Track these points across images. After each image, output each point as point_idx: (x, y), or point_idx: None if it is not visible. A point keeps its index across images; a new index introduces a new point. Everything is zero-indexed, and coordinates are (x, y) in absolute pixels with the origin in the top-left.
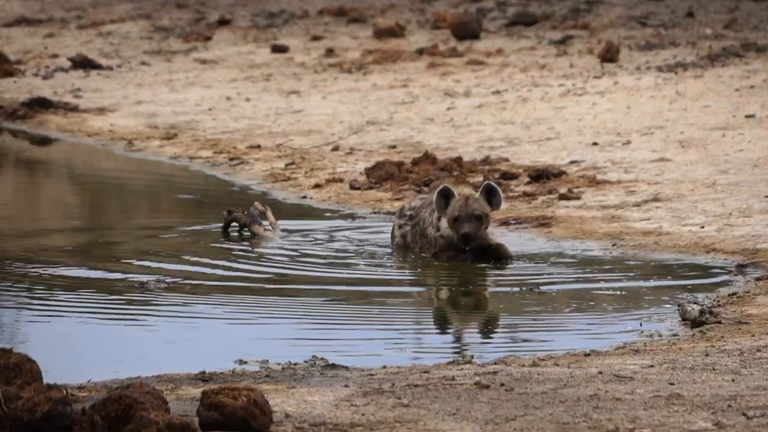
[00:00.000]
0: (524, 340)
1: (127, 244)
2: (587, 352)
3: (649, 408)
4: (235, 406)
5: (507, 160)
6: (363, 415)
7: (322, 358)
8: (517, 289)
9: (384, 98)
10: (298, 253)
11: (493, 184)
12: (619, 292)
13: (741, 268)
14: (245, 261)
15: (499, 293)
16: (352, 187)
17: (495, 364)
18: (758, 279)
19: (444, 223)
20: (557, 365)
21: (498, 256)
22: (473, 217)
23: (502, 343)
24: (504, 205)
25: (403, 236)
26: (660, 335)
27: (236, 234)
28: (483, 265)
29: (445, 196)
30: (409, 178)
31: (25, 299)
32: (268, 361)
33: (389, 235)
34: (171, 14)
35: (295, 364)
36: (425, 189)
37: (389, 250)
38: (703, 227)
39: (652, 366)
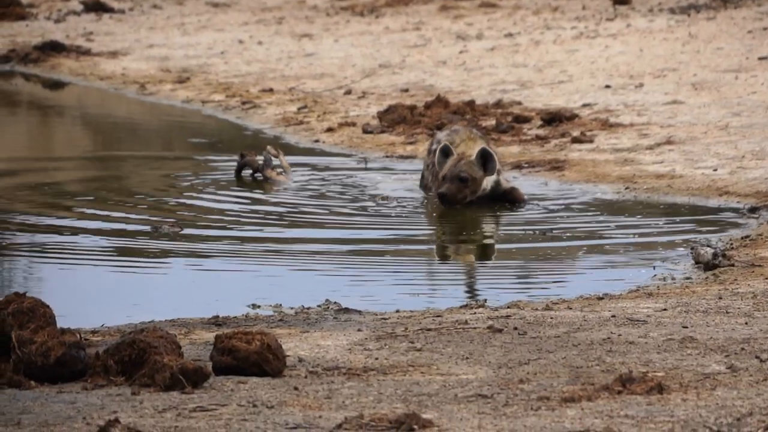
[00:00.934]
0: (537, 284)
1: (140, 189)
2: (600, 296)
3: (663, 351)
4: (248, 350)
5: (519, 103)
6: (376, 359)
7: (335, 303)
8: (530, 232)
9: (396, 41)
10: (311, 197)
11: (489, 150)
12: (632, 236)
13: (754, 211)
14: (258, 205)
15: (512, 237)
16: (365, 131)
17: (508, 308)
18: None
19: None
20: (570, 309)
21: (511, 199)
22: (457, 178)
23: (515, 287)
24: (516, 149)
25: (427, 177)
26: (673, 278)
27: (249, 178)
28: (496, 209)
29: (445, 153)
30: (422, 121)
31: (38, 244)
32: (281, 305)
33: (401, 178)
34: None
35: (308, 309)
36: (437, 132)
37: (403, 195)
38: (715, 170)
39: (665, 309)
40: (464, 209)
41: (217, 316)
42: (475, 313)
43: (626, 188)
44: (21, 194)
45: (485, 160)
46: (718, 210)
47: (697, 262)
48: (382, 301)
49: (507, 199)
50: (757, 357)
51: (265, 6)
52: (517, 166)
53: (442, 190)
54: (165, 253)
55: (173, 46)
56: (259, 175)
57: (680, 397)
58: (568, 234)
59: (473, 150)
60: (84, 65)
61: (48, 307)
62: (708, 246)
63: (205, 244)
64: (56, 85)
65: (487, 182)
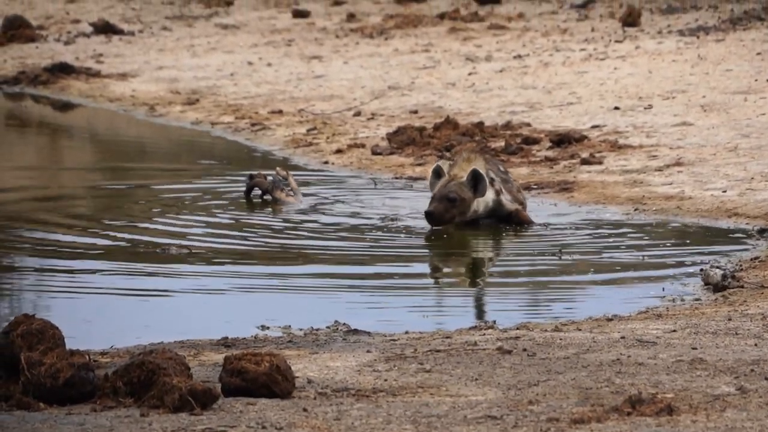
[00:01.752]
0: (546, 305)
1: (149, 210)
2: (609, 317)
3: (672, 373)
4: (257, 371)
5: (528, 124)
6: (385, 380)
7: (344, 324)
8: (539, 254)
9: (405, 63)
10: (321, 219)
11: (480, 171)
12: (641, 257)
13: (763, 232)
14: (267, 226)
15: (521, 258)
16: (374, 153)
17: (517, 329)
18: None
19: None
20: (579, 330)
21: (518, 221)
22: (445, 198)
23: (524, 309)
24: (525, 170)
25: None
26: (682, 300)
27: (258, 199)
28: (504, 230)
29: (437, 174)
30: (431, 143)
31: (48, 265)
32: (290, 326)
33: (411, 199)
34: None
35: (317, 330)
36: (447, 154)
37: (412, 216)
38: (725, 191)
39: (674, 331)
40: (472, 230)
41: (226, 338)
42: (484, 334)
43: (635, 209)
44: (30, 216)
45: (476, 181)
46: (728, 231)
47: (706, 284)
48: (392, 323)
49: (514, 221)
50: (766, 378)
51: (275, 28)
52: (527, 188)
53: (429, 209)
54: (174, 275)
55: (182, 68)
56: (269, 196)
57: (690, 418)
58: (577, 255)
59: (466, 172)
60: (93, 87)
61: (57, 328)
62: (717, 267)
63: (215, 265)
64: (66, 106)
65: (480, 204)
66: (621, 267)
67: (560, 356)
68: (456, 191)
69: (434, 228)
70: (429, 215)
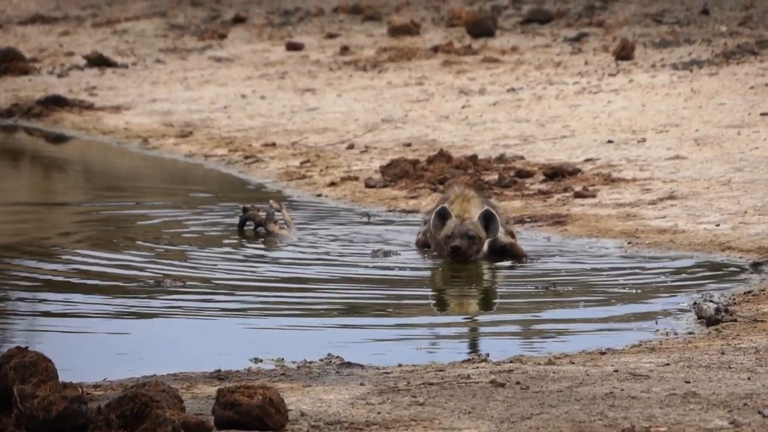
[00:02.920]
0: (539, 339)
1: (143, 243)
2: (603, 351)
3: (665, 406)
4: (250, 404)
5: (522, 158)
6: (378, 413)
7: (337, 357)
8: (532, 287)
9: (399, 96)
10: (314, 251)
11: (492, 211)
12: (634, 291)
13: (756, 266)
14: (260, 259)
15: (514, 292)
16: (367, 186)
17: (510, 362)
18: None
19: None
20: (573, 363)
21: (512, 255)
22: (467, 235)
23: (518, 342)
24: (519, 203)
25: (424, 233)
26: (676, 333)
27: (252, 232)
28: (498, 264)
29: (442, 216)
30: (424, 176)
31: (41, 297)
32: (283, 359)
33: (403, 232)
34: (186, 12)
35: (310, 363)
36: (440, 187)
37: (404, 249)
38: (718, 225)
39: (667, 364)
40: (465, 264)
41: (219, 370)
42: (477, 367)
43: (629, 243)
44: (21, 248)
45: (488, 221)
46: (721, 265)
47: (699, 317)
48: (385, 355)
49: (507, 255)
50: (759, 412)
51: (268, 61)
52: (520, 221)
53: (455, 244)
54: (167, 308)
55: (176, 101)
56: (262, 228)
57: None
58: (570, 289)
59: (470, 210)
60: (87, 119)
61: (50, 361)
62: (710, 301)
63: (208, 298)
64: (59, 139)
65: (487, 243)
66: (614, 300)
67: (553, 389)
68: (473, 230)
69: (429, 262)
70: (456, 250)
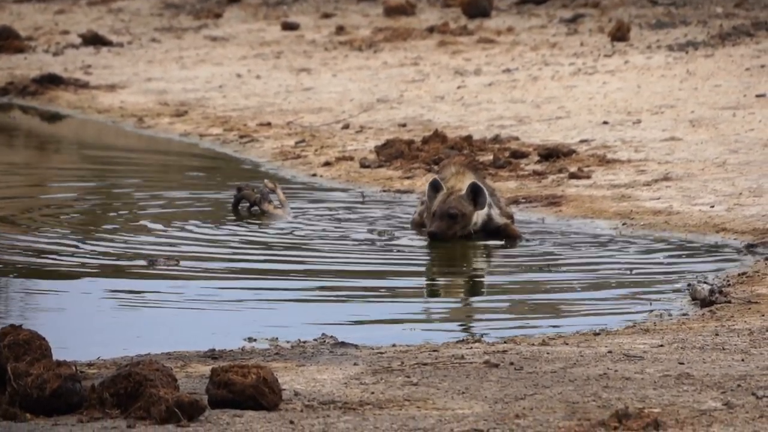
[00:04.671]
0: (534, 319)
1: (136, 222)
2: (597, 332)
3: (659, 387)
4: (244, 383)
5: (517, 138)
6: (372, 393)
7: (331, 336)
8: (526, 267)
9: (394, 76)
10: (308, 231)
11: (479, 184)
12: (628, 272)
13: (751, 248)
14: (254, 239)
15: (509, 272)
16: (362, 166)
17: (504, 343)
18: None
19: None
20: (566, 344)
21: (506, 235)
22: (447, 215)
23: (512, 323)
24: (513, 184)
25: (420, 213)
26: (670, 315)
27: (246, 211)
28: (492, 244)
29: (435, 188)
30: (420, 156)
31: (35, 276)
32: (277, 339)
33: (399, 212)
34: None
35: (304, 342)
36: (435, 167)
37: (400, 229)
38: (713, 207)
39: (661, 345)
40: (461, 244)
41: (213, 350)
42: (471, 347)
43: (623, 224)
44: (16, 227)
45: (475, 194)
46: (715, 246)
47: (693, 299)
48: (379, 335)
49: (501, 235)
50: (753, 394)
51: (264, 40)
52: (515, 202)
53: (431, 229)
54: (161, 286)
55: (171, 80)
56: (256, 208)
57: None
58: (564, 269)
59: (463, 184)
60: (82, 98)
61: (44, 339)
62: (705, 282)
63: (202, 277)
64: (54, 117)
65: (478, 216)
66: (608, 281)
67: (547, 370)
68: (456, 206)
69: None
70: (433, 235)
